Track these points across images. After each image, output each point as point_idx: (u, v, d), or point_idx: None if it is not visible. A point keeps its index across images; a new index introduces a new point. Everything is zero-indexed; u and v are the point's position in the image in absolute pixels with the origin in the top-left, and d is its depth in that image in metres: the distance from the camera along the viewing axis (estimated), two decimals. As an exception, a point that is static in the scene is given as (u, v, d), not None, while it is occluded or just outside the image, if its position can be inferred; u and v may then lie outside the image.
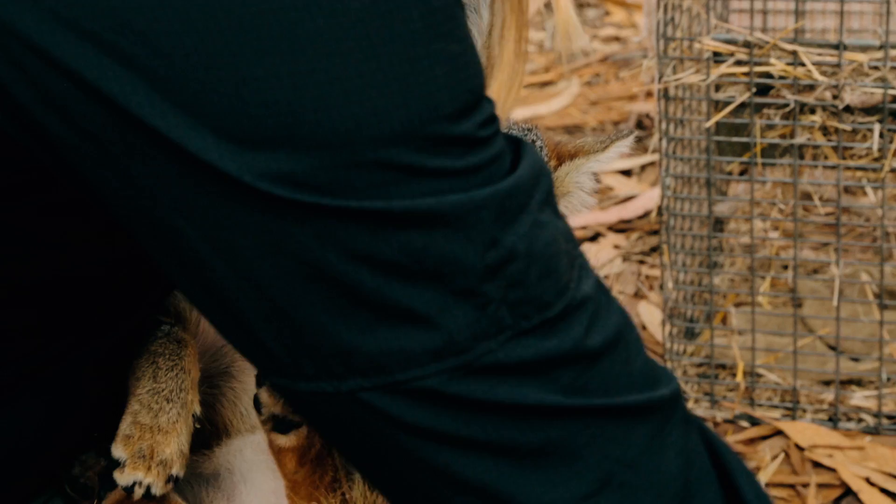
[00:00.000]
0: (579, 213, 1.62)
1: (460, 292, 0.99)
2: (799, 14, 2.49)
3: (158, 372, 1.36)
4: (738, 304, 2.81)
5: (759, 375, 2.67)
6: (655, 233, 3.23)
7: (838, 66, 2.41)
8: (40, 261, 1.19)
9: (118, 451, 1.33)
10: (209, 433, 1.45)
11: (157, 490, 1.32)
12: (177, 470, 1.33)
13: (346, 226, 0.98)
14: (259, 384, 1.29)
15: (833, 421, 2.58)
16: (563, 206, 1.63)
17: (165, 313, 1.41)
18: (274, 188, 0.96)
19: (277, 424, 1.29)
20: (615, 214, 3.33)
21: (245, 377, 1.45)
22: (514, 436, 1.02)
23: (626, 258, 3.17)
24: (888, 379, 2.61)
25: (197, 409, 1.37)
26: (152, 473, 1.32)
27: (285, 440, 1.29)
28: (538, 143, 1.56)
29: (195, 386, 1.38)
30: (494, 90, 1.14)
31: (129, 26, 0.95)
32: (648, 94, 3.75)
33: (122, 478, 1.32)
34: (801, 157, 2.53)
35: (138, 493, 1.32)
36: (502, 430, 1.02)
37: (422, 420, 1.01)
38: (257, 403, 1.29)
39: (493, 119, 1.04)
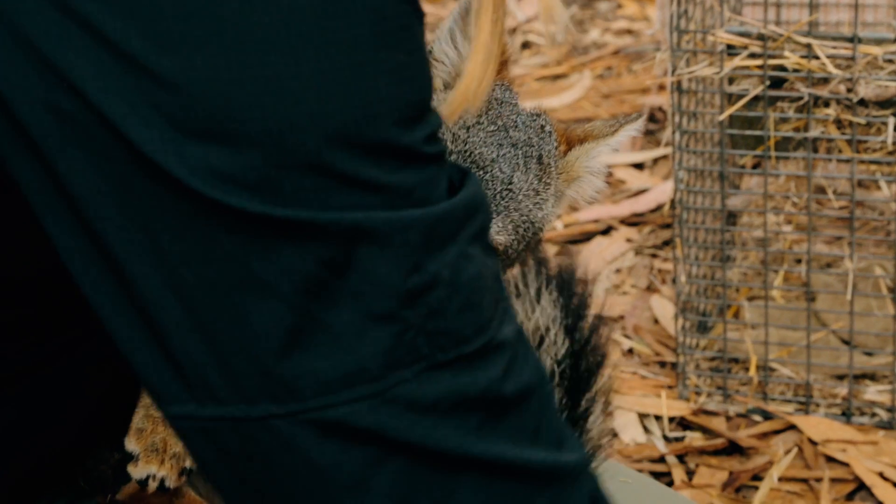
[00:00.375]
0: (591, 200, 1.60)
1: (379, 316, 0.96)
2: (813, 7, 2.48)
3: None
4: (751, 298, 2.80)
5: (772, 370, 2.66)
6: (668, 226, 3.22)
7: (853, 59, 2.40)
8: (36, 253, 1.17)
9: (131, 444, 1.32)
10: None
11: (170, 483, 1.32)
12: (190, 463, 1.33)
13: (271, 235, 0.95)
14: None
15: (846, 415, 2.58)
16: (574, 192, 1.61)
17: None
18: (204, 185, 0.94)
19: None
20: (627, 208, 3.33)
21: None
22: (419, 484, 0.98)
23: (638, 252, 3.16)
24: (902, 373, 2.60)
25: None
26: (165, 467, 1.32)
27: None
28: (547, 128, 1.55)
29: None
30: (469, 72, 1.12)
31: (75, 5, 0.94)
32: (661, 88, 3.74)
33: (136, 471, 1.32)
34: (815, 150, 2.52)
35: (152, 486, 1.32)
36: (409, 476, 0.98)
37: (328, 455, 0.97)
38: None
39: (435, 139, 1.01)
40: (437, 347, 0.98)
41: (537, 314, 1.24)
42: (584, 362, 1.26)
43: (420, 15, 1.01)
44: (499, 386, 1.00)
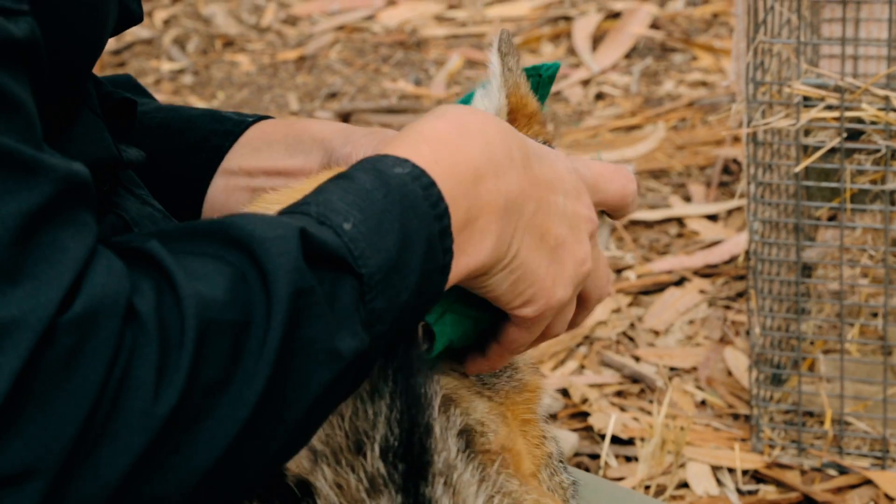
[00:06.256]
0: None
1: None
2: (891, 59, 2.47)
3: None
4: (826, 351, 2.78)
5: (848, 423, 2.64)
6: (742, 278, 3.20)
7: (931, 111, 2.39)
8: None
9: None
10: None
11: None
12: None
13: None
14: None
15: (924, 471, 2.55)
16: None
17: None
18: None
19: None
20: (701, 259, 3.31)
21: None
22: None
23: (711, 303, 3.15)
24: (981, 429, 2.56)
25: None
26: None
27: None
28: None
29: None
30: None
31: None
32: (735, 139, 3.73)
33: None
34: (893, 203, 2.51)
35: None
36: None
37: None
38: None
39: None
40: None
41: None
42: (412, 453, 1.13)
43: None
44: None
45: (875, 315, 2.80)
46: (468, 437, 1.25)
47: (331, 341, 1.02)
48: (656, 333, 3.07)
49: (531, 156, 1.20)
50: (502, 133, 1.18)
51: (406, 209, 1.08)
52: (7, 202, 0.95)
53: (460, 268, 1.13)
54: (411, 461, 1.14)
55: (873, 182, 2.51)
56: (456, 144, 1.14)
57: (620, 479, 2.61)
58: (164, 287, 0.99)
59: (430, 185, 1.10)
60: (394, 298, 1.07)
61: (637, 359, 2.98)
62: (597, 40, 4.61)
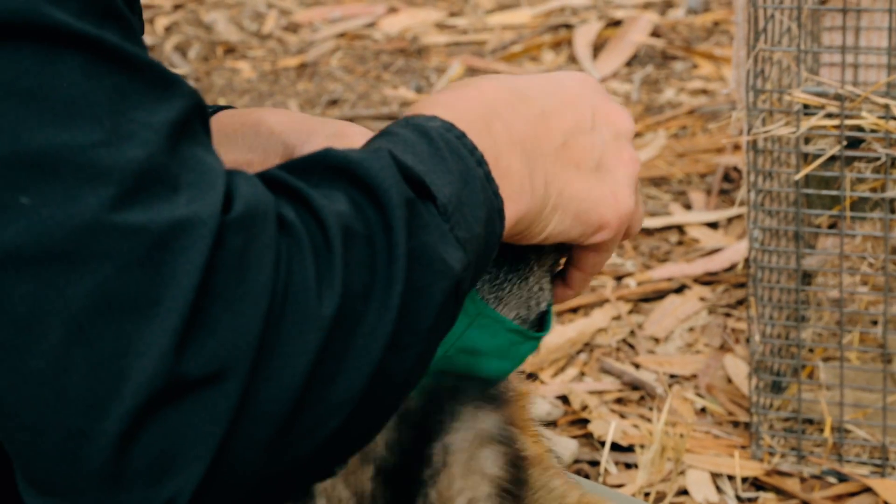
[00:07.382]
0: None
1: None
2: (891, 68, 2.48)
3: None
4: (826, 359, 2.78)
5: (848, 431, 2.64)
6: (742, 286, 3.21)
7: (931, 119, 2.39)
8: None
9: None
10: None
11: None
12: None
13: None
14: None
15: (923, 479, 2.55)
16: None
17: None
18: None
19: None
20: (701, 266, 3.32)
21: None
22: None
23: (711, 311, 3.16)
24: (980, 437, 2.57)
25: None
26: None
27: None
28: None
29: None
30: None
31: None
32: (736, 147, 3.74)
33: None
34: (892, 210, 2.51)
35: None
36: None
37: None
38: None
39: None
40: None
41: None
42: (403, 479, 1.13)
43: None
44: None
45: (875, 323, 2.81)
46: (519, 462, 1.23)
47: (439, 251, 1.05)
48: (656, 341, 3.08)
49: (529, 93, 1.20)
50: (494, 84, 1.19)
51: (452, 153, 1.10)
52: (154, 112, 0.96)
53: (510, 214, 1.14)
54: (400, 486, 1.14)
55: (873, 190, 2.51)
56: (460, 105, 1.16)
57: (620, 486, 2.62)
58: (298, 201, 1.02)
59: (463, 135, 1.12)
60: (470, 229, 1.08)
61: (637, 366, 2.99)
62: (598, 48, 4.62)
